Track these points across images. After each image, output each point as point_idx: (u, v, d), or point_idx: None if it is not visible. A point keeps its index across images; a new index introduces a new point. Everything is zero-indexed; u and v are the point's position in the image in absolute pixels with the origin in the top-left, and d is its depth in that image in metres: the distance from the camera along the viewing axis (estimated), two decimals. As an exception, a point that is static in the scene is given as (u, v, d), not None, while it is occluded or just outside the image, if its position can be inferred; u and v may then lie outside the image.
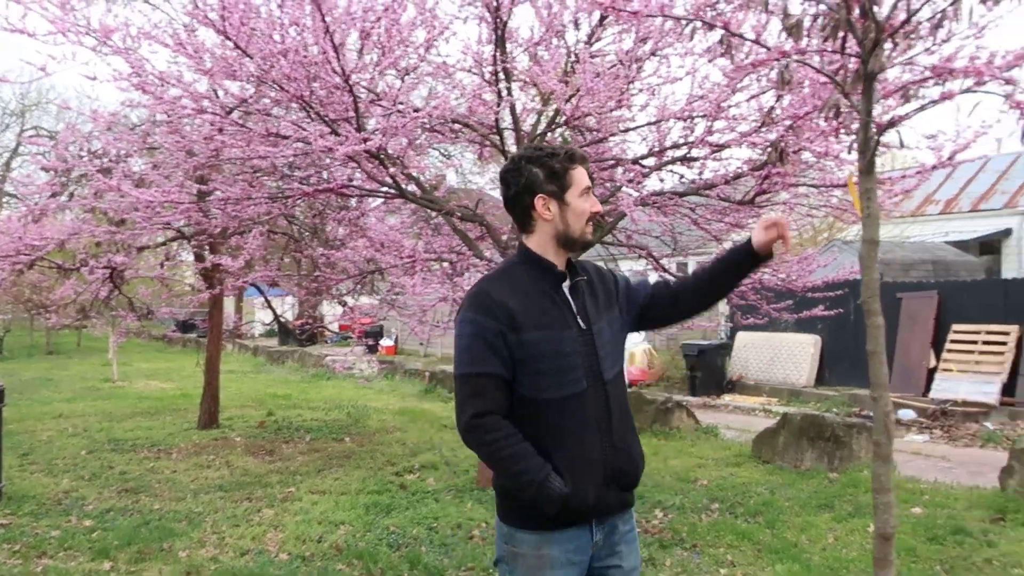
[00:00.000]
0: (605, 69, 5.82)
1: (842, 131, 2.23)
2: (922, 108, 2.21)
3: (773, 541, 5.10)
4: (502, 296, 2.07)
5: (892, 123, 2.12)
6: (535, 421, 2.08)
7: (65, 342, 28.51)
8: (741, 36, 2.16)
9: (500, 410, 2.07)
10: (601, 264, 2.38)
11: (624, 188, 5.72)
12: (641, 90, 5.63)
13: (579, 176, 2.14)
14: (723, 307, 13.43)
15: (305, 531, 5.32)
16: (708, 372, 14.23)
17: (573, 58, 5.98)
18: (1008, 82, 1.97)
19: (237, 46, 4.58)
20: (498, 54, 5.59)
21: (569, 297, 2.13)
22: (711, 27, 2.49)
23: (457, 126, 5.89)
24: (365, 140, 4.75)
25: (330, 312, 18.63)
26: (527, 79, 5.64)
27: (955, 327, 11.87)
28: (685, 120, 5.78)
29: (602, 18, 5.98)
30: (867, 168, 2.13)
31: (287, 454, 8.18)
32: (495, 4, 5.64)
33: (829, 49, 2.10)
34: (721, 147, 5.64)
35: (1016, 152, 22.77)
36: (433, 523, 5.47)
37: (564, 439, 2.07)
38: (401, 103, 5.28)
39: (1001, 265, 20.55)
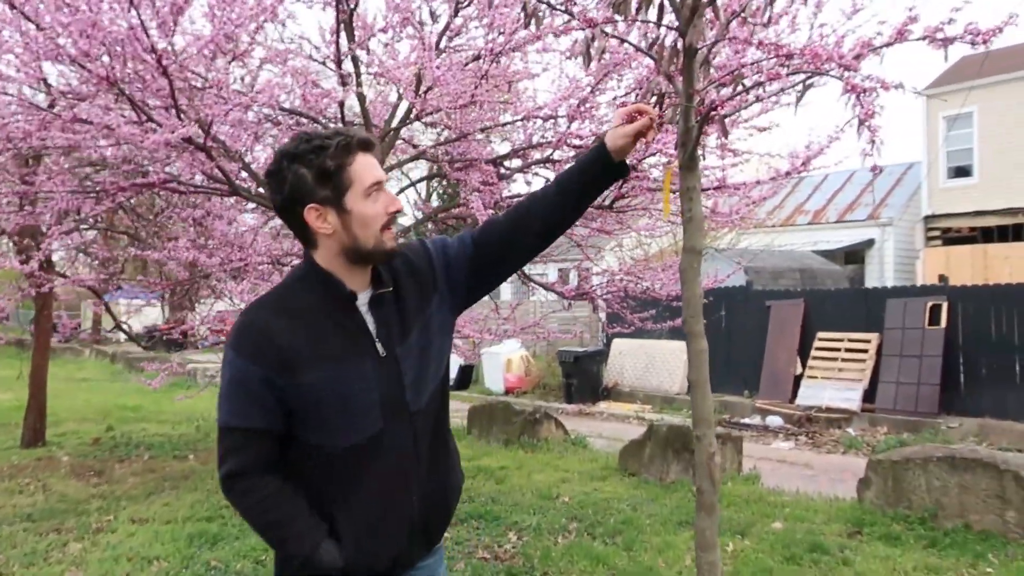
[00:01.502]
0: (460, 64, 5.45)
1: (667, 123, 1.88)
2: (748, 91, 1.91)
3: (629, 565, 4.82)
4: (273, 329, 1.65)
5: (714, 108, 1.81)
6: (321, 474, 1.69)
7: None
8: (549, 4, 1.80)
9: (263, 467, 1.67)
10: (418, 240, 1.95)
11: (473, 193, 5.35)
12: (497, 86, 5.27)
13: (362, 170, 1.68)
14: (601, 315, 13.36)
15: (110, 570, 4.68)
16: (584, 379, 14.09)
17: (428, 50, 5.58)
18: (848, 68, 1.70)
19: (25, 16, 3.95)
20: (342, 39, 5.13)
21: (368, 316, 1.73)
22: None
23: (295, 118, 5.38)
24: (175, 129, 4.20)
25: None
26: (377, 69, 5.19)
27: (820, 335, 12.11)
28: (547, 120, 5.48)
29: (457, 8, 5.60)
30: (688, 162, 1.83)
31: (118, 475, 7.42)
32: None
33: (642, 19, 1.77)
34: (584, 148, 5.35)
35: (881, 165, 23.82)
36: (262, 556, 4.93)
37: (354, 495, 1.69)
38: (239, 91, 4.75)
39: (864, 274, 21.42)
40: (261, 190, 5.64)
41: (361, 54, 5.16)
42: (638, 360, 14.54)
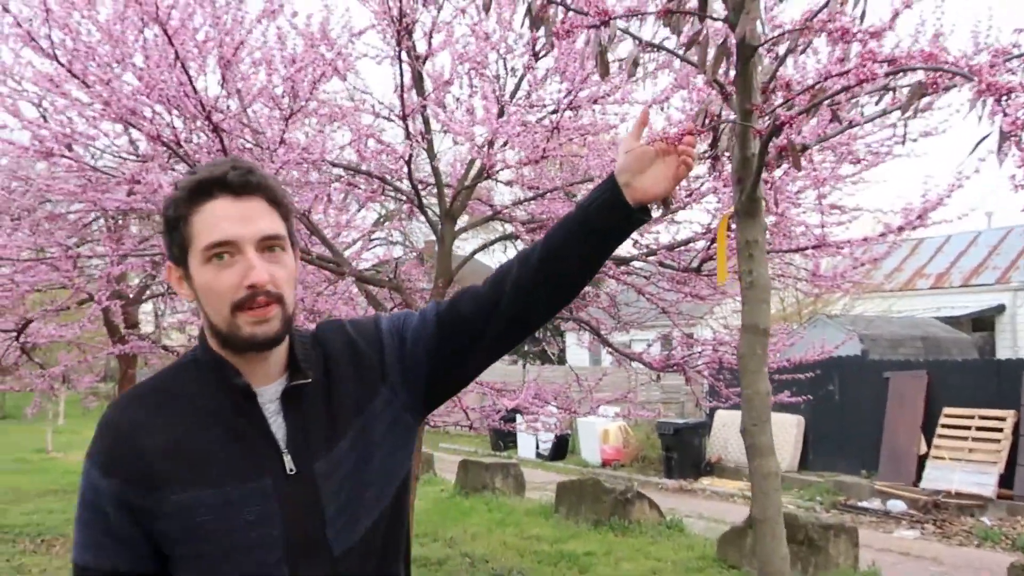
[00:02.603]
0: (534, 121, 5.11)
1: (721, 153, 1.40)
2: (832, 103, 1.40)
3: None
4: (140, 428, 1.23)
5: (779, 127, 1.31)
6: None
7: (23, 404, 27.18)
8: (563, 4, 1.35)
9: None
10: (371, 316, 1.48)
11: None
12: (571, 139, 4.87)
13: (205, 223, 1.22)
14: (703, 384, 12.58)
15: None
16: (685, 453, 13.27)
17: (501, 104, 5.25)
18: (971, 72, 1.20)
19: (73, 74, 3.82)
20: (408, 95, 4.86)
21: (276, 418, 1.28)
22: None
23: (357, 176, 5.12)
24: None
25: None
26: (445, 126, 4.89)
27: (947, 410, 10.98)
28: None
29: (536, 55, 5.26)
30: (747, 206, 1.35)
31: None
32: (412, 46, 4.95)
33: (677, 10, 1.31)
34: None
35: (1007, 226, 22.20)
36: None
37: None
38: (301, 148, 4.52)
39: (995, 343, 19.76)
40: (327, 252, 5.38)
41: (432, 109, 4.88)
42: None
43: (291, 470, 1.25)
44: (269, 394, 1.29)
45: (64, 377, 9.46)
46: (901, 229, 3.38)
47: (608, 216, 1.31)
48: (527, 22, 1.35)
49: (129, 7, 3.83)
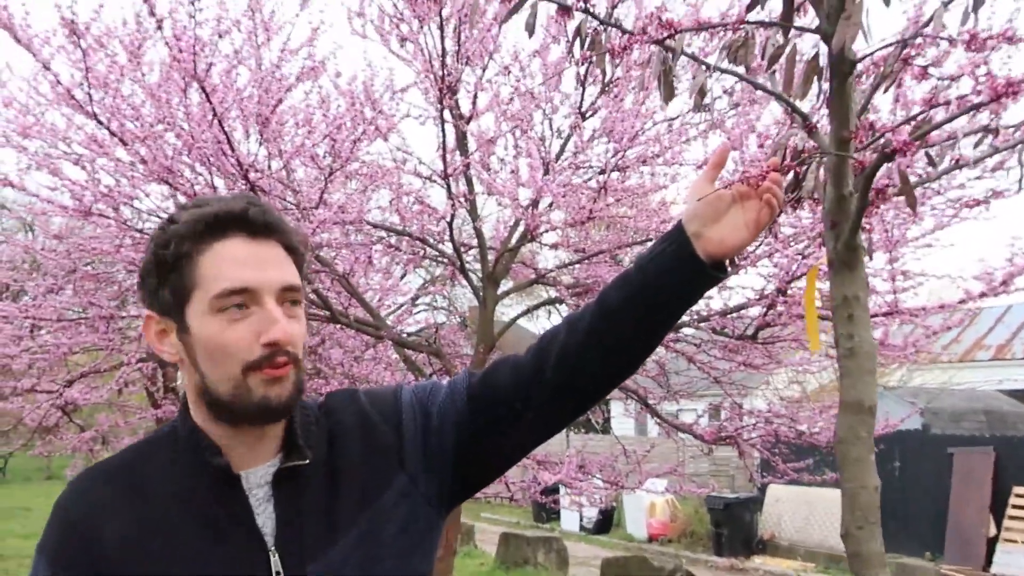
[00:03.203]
0: (582, 182, 4.95)
1: (806, 195, 1.18)
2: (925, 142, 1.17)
3: None
4: (100, 512, 1.03)
5: (891, 154, 1.09)
6: None
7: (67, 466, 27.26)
8: (601, 18, 1.14)
9: None
10: (390, 386, 1.23)
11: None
12: (619, 200, 4.69)
13: (217, 266, 1.03)
14: (755, 457, 12.08)
15: None
16: (735, 529, 12.69)
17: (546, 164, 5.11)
18: None
19: (112, 131, 3.76)
20: (451, 156, 4.74)
21: (265, 506, 1.06)
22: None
23: (398, 238, 4.99)
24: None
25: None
26: (488, 185, 4.74)
27: (1017, 490, 10.35)
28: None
29: (583, 115, 5.13)
30: (844, 255, 1.13)
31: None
32: (455, 105, 4.85)
33: (752, 21, 1.11)
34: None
35: (1072, 296, 21.41)
36: None
37: None
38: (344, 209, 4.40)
39: (1064, 417, 18.84)
40: (368, 316, 5.23)
41: (475, 169, 4.74)
42: (798, 510, 13.01)
43: (278, 574, 1.02)
44: (257, 477, 1.07)
45: (103, 439, 9.41)
46: (983, 295, 3.11)
47: (675, 274, 1.08)
48: (578, 46, 1.16)
49: (172, 67, 3.79)
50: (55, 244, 5.35)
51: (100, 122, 3.71)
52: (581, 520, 15.53)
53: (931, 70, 1.35)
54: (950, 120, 1.11)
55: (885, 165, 1.09)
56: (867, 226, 1.20)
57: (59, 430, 8.92)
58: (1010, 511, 10.27)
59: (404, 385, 1.20)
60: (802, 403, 5.80)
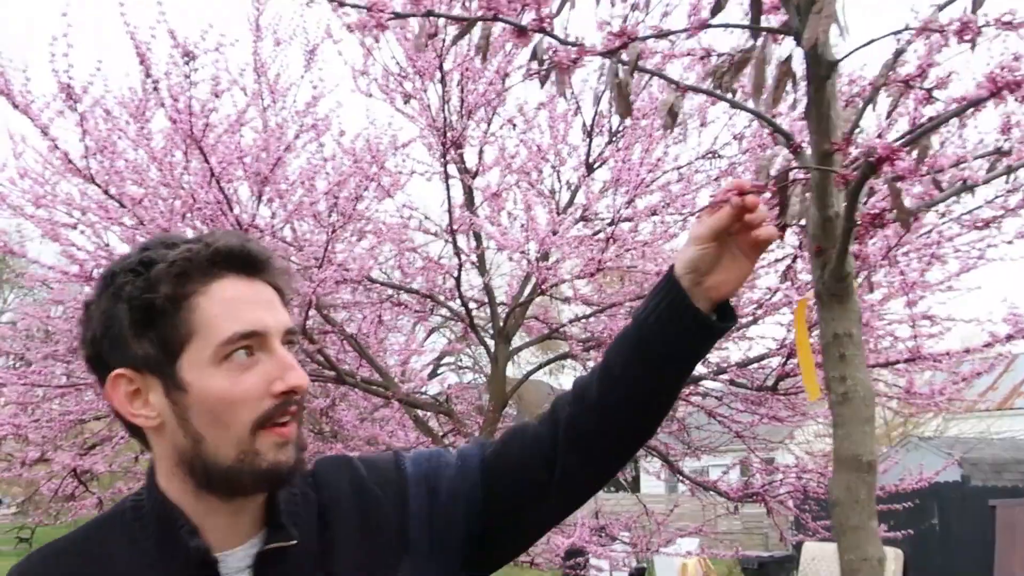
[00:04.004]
0: (589, 235, 4.86)
1: (791, 222, 1.06)
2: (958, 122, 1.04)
3: None
4: None
5: (877, 163, 0.95)
6: None
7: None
8: (559, 37, 1.04)
9: None
10: (389, 452, 1.11)
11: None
12: (628, 249, 4.58)
13: (223, 306, 0.90)
14: (788, 515, 11.68)
15: None
16: (771, 590, 12.24)
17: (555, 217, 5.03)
18: None
19: (109, 195, 3.74)
20: (460, 210, 4.68)
21: None
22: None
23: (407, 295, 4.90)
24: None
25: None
26: (495, 240, 4.66)
27: (1065, 544, 9.89)
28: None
29: (590, 168, 5.06)
30: (832, 285, 1.00)
31: None
32: (460, 159, 4.82)
33: (715, 24, 0.99)
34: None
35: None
36: None
37: None
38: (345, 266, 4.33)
39: (1110, 466, 18.17)
40: (378, 377, 5.12)
41: (481, 223, 4.67)
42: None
43: None
44: (236, 561, 0.93)
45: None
46: (1010, 338, 2.94)
47: (677, 330, 0.99)
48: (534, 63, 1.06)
49: (172, 128, 3.78)
50: (58, 310, 5.31)
51: (98, 185, 3.68)
52: (611, 581, 15.08)
53: (936, 93, 1.23)
54: (943, 121, 0.98)
55: (881, 184, 0.98)
56: (859, 252, 1.09)
57: (76, 500, 8.81)
58: (1059, 566, 9.80)
59: (404, 454, 1.06)
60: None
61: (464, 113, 4.49)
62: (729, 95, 1.21)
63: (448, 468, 1.03)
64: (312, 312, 4.32)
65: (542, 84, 1.05)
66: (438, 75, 4.43)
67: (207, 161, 3.55)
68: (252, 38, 4.37)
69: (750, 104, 1.23)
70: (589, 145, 4.96)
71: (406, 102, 4.87)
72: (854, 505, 1.06)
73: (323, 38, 4.66)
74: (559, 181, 5.20)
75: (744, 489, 5.44)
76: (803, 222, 1.06)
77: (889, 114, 1.23)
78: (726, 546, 14.03)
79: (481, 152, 4.91)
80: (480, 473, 1.02)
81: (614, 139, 4.97)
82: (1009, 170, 1.05)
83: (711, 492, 5.90)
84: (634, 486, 14.55)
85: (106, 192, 3.67)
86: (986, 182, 1.06)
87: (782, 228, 1.03)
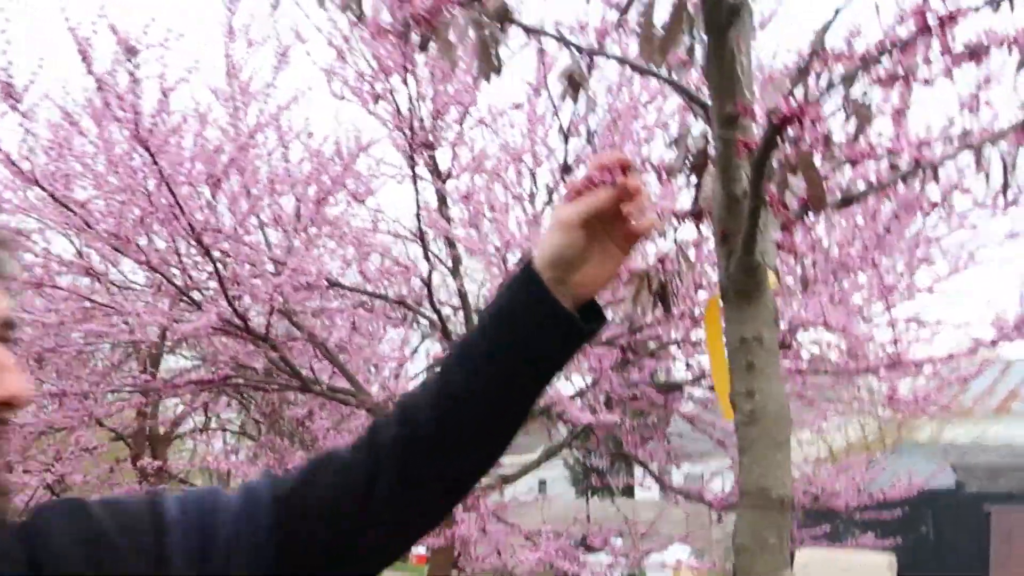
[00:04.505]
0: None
1: (706, 206, 0.89)
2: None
3: None
4: None
5: (782, 124, 0.78)
6: None
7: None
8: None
9: None
10: (130, 495, 0.88)
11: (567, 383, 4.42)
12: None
13: None
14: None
15: None
16: (764, 598, 12.06)
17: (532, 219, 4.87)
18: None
19: (57, 200, 3.58)
20: (432, 214, 4.53)
21: None
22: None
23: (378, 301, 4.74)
24: (221, 314, 3.60)
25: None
26: (464, 244, 4.51)
27: (1061, 550, 9.74)
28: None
29: (566, 168, 4.90)
30: (739, 278, 0.84)
31: None
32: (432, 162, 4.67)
33: None
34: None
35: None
36: None
37: None
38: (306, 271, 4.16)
39: (1107, 470, 18.02)
40: (348, 386, 4.96)
41: (450, 228, 4.52)
42: (828, 574, 12.36)
43: None
44: None
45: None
46: (994, 343, 2.80)
47: (532, 333, 0.81)
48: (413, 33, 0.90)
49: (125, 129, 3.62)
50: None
51: (44, 189, 3.52)
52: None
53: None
54: (858, 69, 0.80)
55: (792, 156, 0.81)
56: (786, 243, 0.92)
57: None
58: (1056, 573, 9.65)
59: (166, 496, 0.85)
60: (822, 464, 5.42)
61: (434, 112, 4.34)
62: (653, 67, 1.05)
63: (226, 510, 0.83)
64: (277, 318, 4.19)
65: (423, 47, 0.89)
66: (406, 74, 4.28)
67: (156, 162, 3.38)
68: (225, 39, 4.22)
69: (685, 83, 1.07)
70: (566, 146, 4.80)
71: (375, 103, 4.72)
72: (760, 552, 0.89)
73: (293, 41, 4.50)
74: (535, 184, 5.04)
75: (729, 497, 5.28)
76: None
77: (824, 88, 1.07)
78: (725, 549, 13.88)
79: (454, 154, 4.77)
80: (270, 513, 0.83)
81: (591, 140, 4.82)
82: (968, 146, 0.89)
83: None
84: (627, 491, 14.36)
85: (52, 196, 3.50)
86: (943, 160, 0.91)
87: (697, 214, 0.88)
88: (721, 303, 0.93)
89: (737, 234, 0.86)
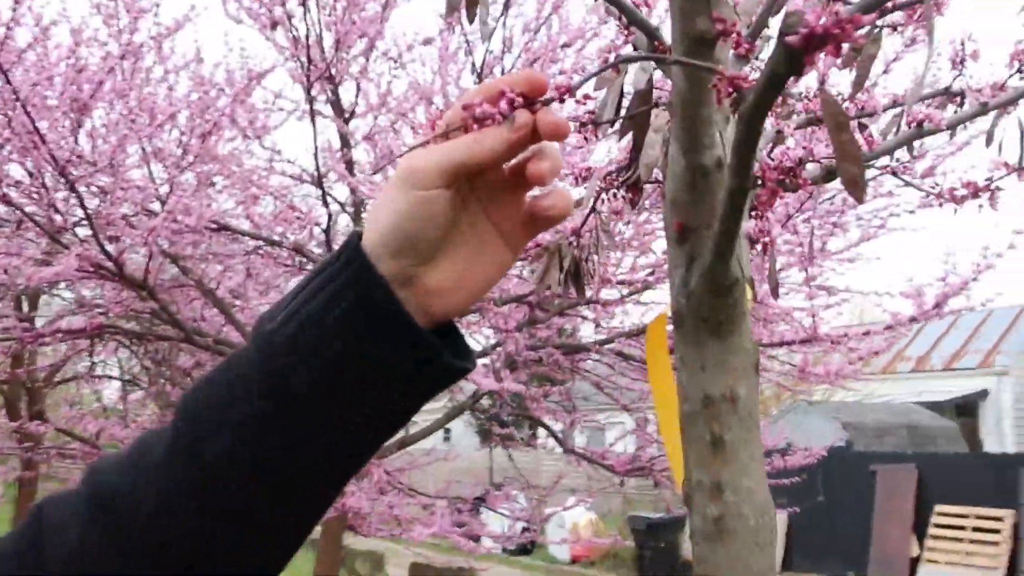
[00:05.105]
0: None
1: (648, 177, 0.68)
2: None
3: None
4: None
5: (799, 55, 0.57)
6: None
7: None
8: None
9: None
10: None
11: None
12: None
13: None
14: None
15: None
16: (660, 551, 12.31)
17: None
18: None
19: None
20: (331, 154, 4.19)
21: None
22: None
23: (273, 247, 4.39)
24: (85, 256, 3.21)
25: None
26: (359, 189, 4.18)
27: (939, 508, 10.18)
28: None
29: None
30: (705, 299, 0.62)
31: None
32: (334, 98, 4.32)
33: None
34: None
35: (987, 310, 21.76)
36: None
37: None
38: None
39: (979, 429, 19.08)
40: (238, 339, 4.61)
41: (345, 171, 4.18)
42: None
43: None
44: None
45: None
46: (913, 320, 2.71)
47: (352, 363, 0.49)
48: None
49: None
50: None
51: None
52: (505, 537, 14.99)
53: None
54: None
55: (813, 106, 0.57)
56: (761, 236, 0.69)
57: None
58: (932, 531, 10.10)
59: None
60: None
61: (335, 43, 3.97)
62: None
63: None
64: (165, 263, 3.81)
65: None
66: (306, -2, 3.90)
67: (8, 81, 2.95)
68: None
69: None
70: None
71: (273, 29, 4.31)
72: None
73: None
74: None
75: (632, 463, 5.19)
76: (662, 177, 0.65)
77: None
78: (624, 501, 14.12)
79: (358, 90, 4.42)
80: None
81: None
82: (984, 110, 0.69)
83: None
84: (529, 443, 14.40)
85: None
86: (951, 127, 0.70)
87: (634, 186, 0.63)
88: (671, 332, 0.68)
89: (703, 228, 0.61)
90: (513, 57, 4.61)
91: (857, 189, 0.51)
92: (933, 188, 0.84)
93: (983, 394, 19.22)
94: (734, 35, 0.56)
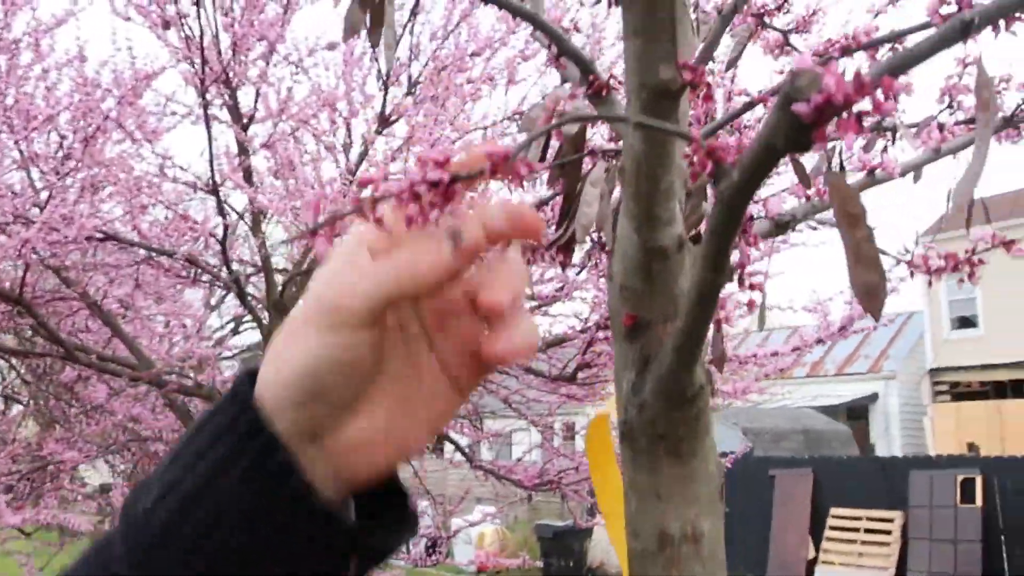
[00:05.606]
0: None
1: (582, 239, 0.59)
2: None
3: None
4: None
5: (819, 118, 0.49)
6: None
7: None
8: None
9: None
10: None
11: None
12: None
13: None
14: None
15: None
16: (565, 559, 12.33)
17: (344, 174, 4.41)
18: None
19: None
20: (229, 161, 3.99)
21: None
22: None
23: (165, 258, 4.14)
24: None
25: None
26: (252, 199, 3.98)
27: (834, 511, 10.53)
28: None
29: (385, 119, 4.47)
30: (659, 410, 0.53)
31: None
32: (231, 102, 4.11)
33: None
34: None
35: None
36: None
37: None
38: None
39: (869, 432, 19.92)
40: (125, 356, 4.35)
41: (239, 180, 3.98)
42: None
43: None
44: None
45: None
46: (820, 341, 2.73)
47: (240, 545, 0.38)
48: None
49: None
50: None
51: None
52: (409, 551, 14.76)
53: (794, 39, 0.79)
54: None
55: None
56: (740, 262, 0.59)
57: None
58: (828, 532, 10.43)
59: None
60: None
61: (233, 45, 3.78)
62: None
63: None
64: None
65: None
66: (202, -2, 3.69)
67: None
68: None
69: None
70: (385, 96, 4.37)
71: (165, 28, 4.08)
72: None
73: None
74: (350, 135, 4.58)
75: (539, 478, 5.13)
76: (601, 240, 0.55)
77: (732, 62, 0.78)
78: (531, 509, 14.09)
79: (257, 95, 4.22)
80: None
81: (412, 91, 4.43)
82: (936, 156, 0.63)
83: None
84: (437, 449, 14.25)
85: None
86: (904, 173, 0.64)
87: (565, 248, 0.53)
88: (619, 451, 0.58)
89: (659, 323, 0.52)
90: (420, 65, 4.50)
91: (875, 303, 0.43)
92: (903, 255, 0.78)
93: (873, 398, 20.08)
94: (697, 76, 0.46)
